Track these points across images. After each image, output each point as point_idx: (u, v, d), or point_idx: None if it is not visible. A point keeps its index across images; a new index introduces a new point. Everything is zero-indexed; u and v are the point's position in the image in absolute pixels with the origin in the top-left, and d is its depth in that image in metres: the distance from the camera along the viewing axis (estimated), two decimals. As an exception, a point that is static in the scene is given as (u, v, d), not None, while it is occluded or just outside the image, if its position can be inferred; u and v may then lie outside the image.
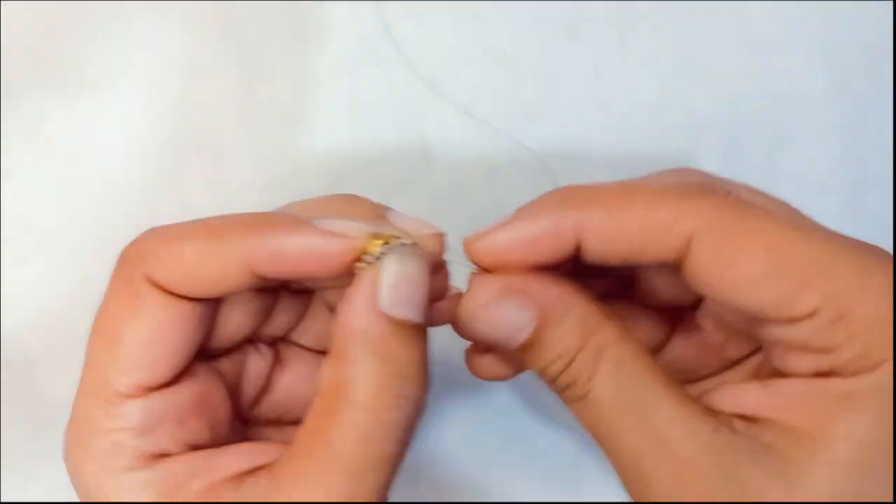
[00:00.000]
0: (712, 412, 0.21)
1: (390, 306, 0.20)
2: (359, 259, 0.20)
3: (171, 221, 0.36)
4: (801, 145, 0.41)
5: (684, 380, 0.26)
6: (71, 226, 0.36)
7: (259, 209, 0.36)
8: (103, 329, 0.21)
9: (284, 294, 0.25)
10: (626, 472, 0.21)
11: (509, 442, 0.38)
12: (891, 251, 0.40)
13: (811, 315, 0.19)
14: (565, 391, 0.22)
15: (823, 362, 0.19)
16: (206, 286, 0.21)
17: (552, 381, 0.22)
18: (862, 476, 0.18)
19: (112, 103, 0.36)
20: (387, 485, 0.20)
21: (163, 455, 0.20)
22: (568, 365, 0.21)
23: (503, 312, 0.21)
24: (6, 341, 0.35)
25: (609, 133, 0.40)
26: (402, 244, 0.21)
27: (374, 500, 0.19)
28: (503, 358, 0.25)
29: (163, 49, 0.36)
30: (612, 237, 0.21)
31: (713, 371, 0.26)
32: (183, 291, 0.21)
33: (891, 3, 0.42)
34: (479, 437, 0.38)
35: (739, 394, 0.21)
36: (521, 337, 0.21)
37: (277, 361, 0.26)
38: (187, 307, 0.21)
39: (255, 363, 0.25)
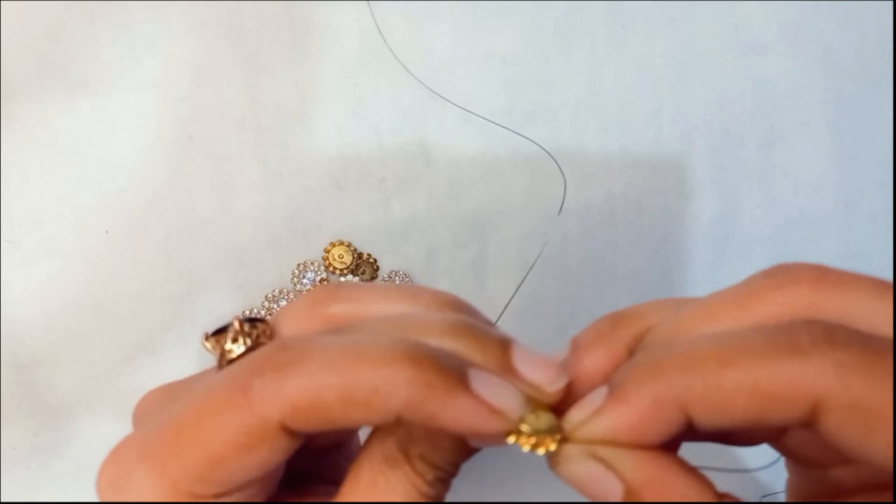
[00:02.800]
0: None
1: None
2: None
3: (173, 222, 0.37)
4: (795, 146, 0.41)
5: (805, 463, 0.24)
6: (74, 227, 0.36)
7: (262, 210, 0.37)
8: (208, 436, 0.19)
9: None
10: None
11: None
12: (887, 249, 0.41)
13: None
14: None
15: None
16: (341, 425, 0.19)
17: None
18: None
19: (115, 105, 0.36)
20: None
21: None
22: None
23: (589, 474, 0.19)
24: (9, 342, 0.35)
25: (605, 135, 0.40)
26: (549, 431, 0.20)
27: None
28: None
29: (166, 51, 0.36)
30: (724, 407, 0.18)
31: (838, 461, 0.23)
32: (314, 430, 0.19)
33: (890, 3, 0.42)
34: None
35: None
36: (610, 500, 0.19)
37: None
38: (298, 440, 0.19)
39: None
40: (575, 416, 0.20)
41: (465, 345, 0.20)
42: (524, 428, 0.19)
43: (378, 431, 0.20)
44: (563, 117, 0.40)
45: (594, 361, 0.21)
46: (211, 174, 0.37)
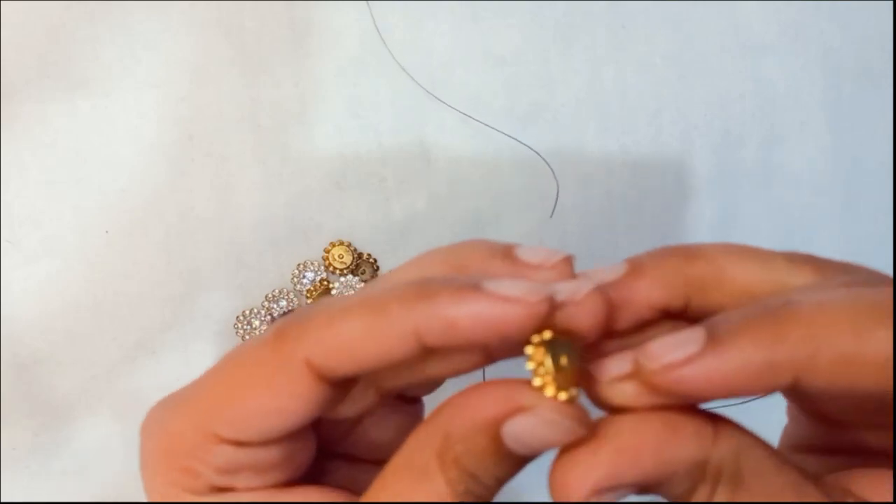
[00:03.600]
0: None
1: (509, 440, 0.19)
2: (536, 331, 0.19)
3: (173, 222, 0.37)
4: (795, 146, 0.41)
5: (809, 450, 0.23)
6: (74, 227, 0.36)
7: (262, 209, 0.37)
8: (236, 379, 0.20)
9: None
10: None
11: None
12: (887, 250, 0.41)
13: None
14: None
15: None
16: (368, 363, 0.20)
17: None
18: None
19: (115, 105, 0.36)
20: None
21: (232, 488, 0.21)
22: (687, 497, 0.19)
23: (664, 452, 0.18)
24: (9, 342, 0.35)
25: (605, 135, 0.40)
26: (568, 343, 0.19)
27: None
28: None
29: (166, 51, 0.36)
30: (847, 377, 0.17)
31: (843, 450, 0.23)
32: (341, 372, 0.20)
33: (890, 3, 0.42)
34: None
35: (880, 482, 0.19)
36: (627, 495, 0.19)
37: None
38: (324, 392, 0.20)
39: (346, 411, 0.25)
40: (660, 351, 0.18)
41: (476, 266, 0.20)
42: (543, 337, 0.19)
43: (416, 432, 0.20)
44: (563, 117, 0.40)
45: (649, 290, 0.20)
46: (211, 174, 0.37)
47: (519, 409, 0.19)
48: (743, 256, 0.20)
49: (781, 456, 0.19)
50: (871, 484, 0.19)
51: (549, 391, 0.19)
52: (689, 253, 0.20)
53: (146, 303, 0.36)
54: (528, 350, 0.19)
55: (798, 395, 0.21)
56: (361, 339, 0.19)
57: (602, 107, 0.40)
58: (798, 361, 0.17)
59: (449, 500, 0.19)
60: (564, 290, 0.19)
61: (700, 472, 0.18)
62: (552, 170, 0.39)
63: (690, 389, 0.18)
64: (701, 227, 0.42)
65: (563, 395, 0.19)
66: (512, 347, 0.20)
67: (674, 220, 0.41)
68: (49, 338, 0.35)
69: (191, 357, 0.37)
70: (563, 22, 0.40)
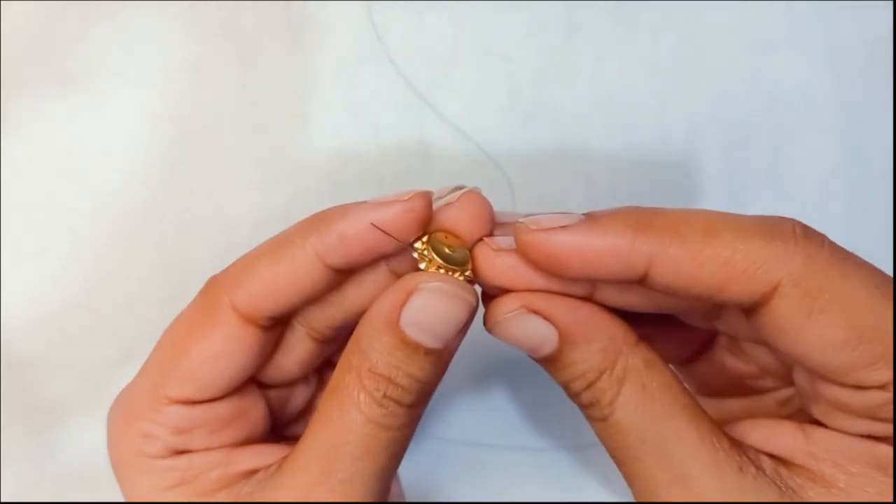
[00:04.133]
0: (739, 448, 0.20)
1: (411, 329, 0.20)
2: (417, 239, 0.21)
3: (171, 222, 0.37)
4: (802, 144, 0.41)
5: (704, 392, 0.26)
6: (71, 227, 0.36)
7: (259, 209, 0.37)
8: (175, 338, 0.23)
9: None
10: (642, 497, 0.21)
11: (509, 441, 0.38)
12: (888, 249, 0.40)
13: (882, 387, 0.18)
14: (587, 409, 0.21)
15: (878, 429, 0.19)
16: (285, 297, 0.22)
17: (575, 396, 0.21)
18: None
19: (112, 103, 0.36)
20: (378, 486, 0.21)
21: (189, 450, 0.22)
22: (591, 384, 0.20)
23: (526, 327, 0.21)
24: (6, 342, 0.35)
25: (609, 133, 0.40)
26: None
27: (367, 500, 0.20)
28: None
29: (162, 49, 0.36)
30: (689, 273, 0.19)
31: (734, 394, 0.25)
32: (266, 310, 0.22)
33: (891, 3, 0.42)
34: (480, 436, 0.38)
35: (774, 433, 0.21)
36: (545, 350, 0.21)
37: (321, 385, 0.27)
38: (256, 336, 0.22)
39: (301, 391, 0.26)
40: (540, 219, 0.20)
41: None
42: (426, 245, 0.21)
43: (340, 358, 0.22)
44: (566, 116, 0.39)
45: (600, 241, 0.21)
46: (208, 174, 0.37)
47: (410, 293, 0.20)
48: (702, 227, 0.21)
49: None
50: (765, 435, 0.21)
51: (433, 269, 0.21)
52: (648, 212, 0.21)
53: (142, 305, 0.36)
54: (416, 246, 0.21)
55: (655, 299, 0.23)
56: (273, 273, 0.21)
57: (607, 105, 0.40)
58: (653, 249, 0.19)
59: (372, 411, 0.20)
60: (446, 196, 0.22)
61: (609, 356, 0.20)
62: (506, 175, 0.39)
63: (561, 259, 0.20)
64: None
65: (427, 265, 0.21)
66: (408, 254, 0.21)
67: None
68: (44, 340, 0.36)
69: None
70: (567, 18, 0.39)
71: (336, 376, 0.21)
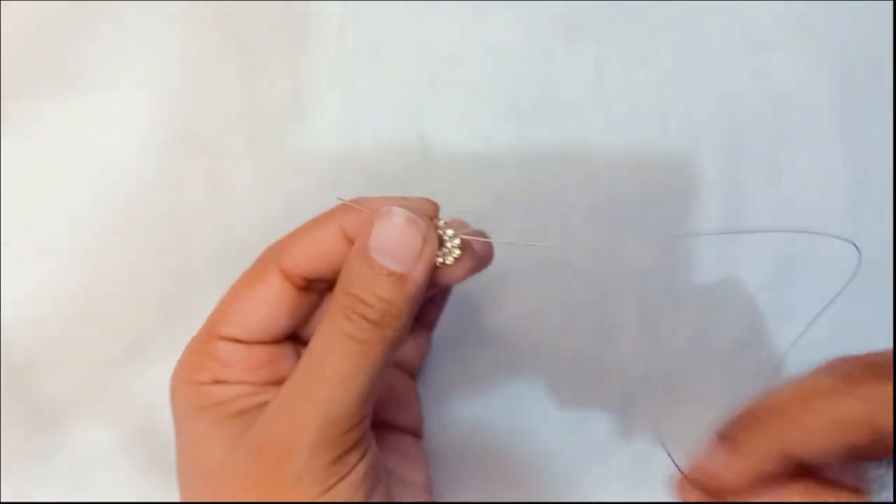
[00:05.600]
0: None
1: (376, 253, 0.24)
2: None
3: (168, 222, 0.37)
4: (802, 145, 0.41)
5: None
6: (70, 226, 0.36)
7: (258, 209, 0.37)
8: (232, 290, 0.28)
9: None
10: None
11: (510, 441, 0.38)
12: (888, 250, 0.40)
13: None
14: None
15: None
16: (319, 259, 0.27)
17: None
18: None
19: (110, 103, 0.36)
20: (353, 409, 0.24)
21: (226, 381, 0.27)
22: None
23: None
24: (6, 342, 0.35)
25: (609, 133, 0.40)
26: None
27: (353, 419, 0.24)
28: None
29: (161, 48, 0.36)
30: (808, 443, 0.24)
31: None
32: (304, 271, 0.27)
33: (891, 3, 0.42)
34: (480, 436, 0.38)
35: None
36: None
37: None
38: (294, 294, 0.27)
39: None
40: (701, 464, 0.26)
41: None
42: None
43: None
44: (567, 115, 0.39)
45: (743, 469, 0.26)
46: (207, 173, 0.37)
47: (372, 222, 0.25)
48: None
49: None
50: None
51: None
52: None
53: (140, 304, 0.36)
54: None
55: None
56: (308, 240, 0.27)
57: (607, 104, 0.40)
58: (779, 445, 0.24)
59: (342, 325, 0.24)
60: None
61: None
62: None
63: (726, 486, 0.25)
64: (708, 227, 0.41)
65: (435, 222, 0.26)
66: None
67: (681, 219, 0.41)
68: (45, 339, 0.36)
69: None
70: (568, 18, 0.39)
71: (328, 309, 0.26)
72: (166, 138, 0.36)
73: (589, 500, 0.38)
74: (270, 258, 0.27)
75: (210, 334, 0.28)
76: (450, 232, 0.26)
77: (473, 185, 0.39)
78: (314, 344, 0.25)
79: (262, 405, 0.26)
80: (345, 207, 0.26)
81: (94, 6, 0.35)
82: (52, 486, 0.36)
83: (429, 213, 0.26)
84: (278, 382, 0.27)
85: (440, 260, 0.26)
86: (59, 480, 0.36)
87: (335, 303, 0.25)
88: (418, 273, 0.25)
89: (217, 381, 0.27)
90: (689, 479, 0.26)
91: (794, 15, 0.41)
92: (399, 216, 0.24)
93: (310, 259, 0.27)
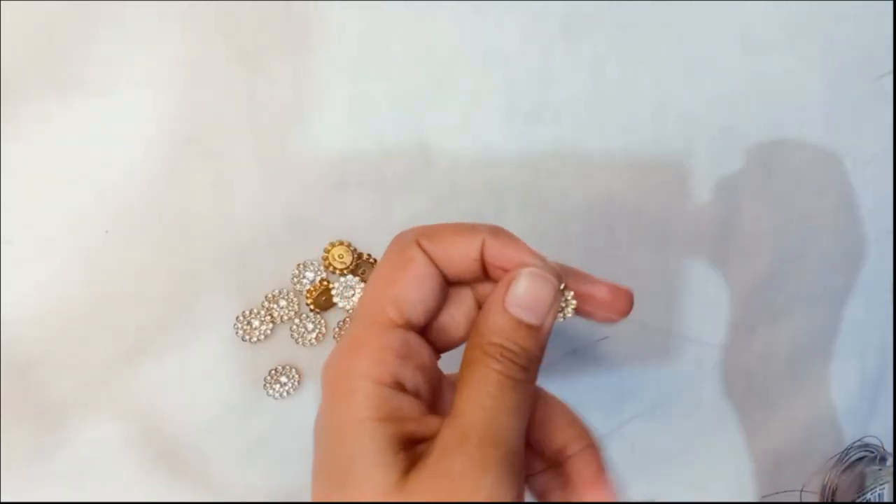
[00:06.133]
0: None
1: (514, 308, 0.26)
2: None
3: (172, 222, 0.37)
4: (796, 145, 0.41)
5: None
6: (74, 226, 0.36)
7: (262, 210, 0.37)
8: (383, 275, 0.27)
9: None
10: None
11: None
12: (887, 249, 0.41)
13: None
14: None
15: None
16: (453, 260, 0.28)
17: None
18: None
19: (113, 104, 0.36)
20: (517, 427, 0.26)
21: (399, 385, 0.26)
22: None
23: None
24: (7, 343, 0.35)
25: (607, 132, 0.40)
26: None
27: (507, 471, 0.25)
28: None
29: (164, 50, 0.36)
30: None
31: None
32: (439, 261, 0.28)
33: (890, 3, 0.42)
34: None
35: None
36: None
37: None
38: (440, 280, 0.28)
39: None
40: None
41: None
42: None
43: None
44: (564, 116, 0.40)
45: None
46: (210, 174, 0.37)
47: (511, 281, 0.27)
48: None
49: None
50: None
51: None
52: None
53: (144, 303, 0.36)
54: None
55: None
56: (451, 240, 0.28)
57: (604, 105, 0.40)
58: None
59: (496, 364, 0.26)
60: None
61: None
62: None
63: None
64: (702, 226, 0.42)
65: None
66: None
67: (675, 218, 0.41)
68: (47, 339, 0.35)
69: (190, 358, 0.37)
70: (565, 20, 0.40)
71: (465, 357, 0.27)
72: (169, 139, 0.36)
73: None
74: (409, 244, 0.28)
75: (380, 325, 0.27)
76: (569, 294, 0.28)
77: (473, 185, 0.39)
78: (468, 387, 0.26)
79: (425, 439, 0.26)
80: (488, 228, 0.28)
81: (97, 8, 0.35)
82: (55, 484, 0.36)
83: (555, 270, 0.28)
84: (428, 400, 0.27)
85: (560, 317, 0.28)
86: (61, 479, 0.36)
87: (482, 350, 0.26)
88: (548, 324, 0.27)
89: (398, 384, 0.26)
90: None
91: (788, 17, 0.41)
92: (534, 275, 0.27)
93: (450, 258, 0.28)
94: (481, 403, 0.25)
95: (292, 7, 0.37)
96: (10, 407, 0.35)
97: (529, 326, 0.26)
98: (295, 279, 0.37)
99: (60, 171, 0.36)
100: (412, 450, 0.25)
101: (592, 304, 0.29)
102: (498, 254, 0.28)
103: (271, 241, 0.37)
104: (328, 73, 0.38)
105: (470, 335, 0.27)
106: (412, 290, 0.27)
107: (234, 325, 0.37)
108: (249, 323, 0.37)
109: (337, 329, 0.38)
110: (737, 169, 0.41)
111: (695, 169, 0.41)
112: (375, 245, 0.38)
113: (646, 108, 0.40)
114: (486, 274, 0.28)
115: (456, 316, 0.29)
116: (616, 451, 0.39)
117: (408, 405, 0.26)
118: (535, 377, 0.27)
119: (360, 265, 0.38)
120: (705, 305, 0.42)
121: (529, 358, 0.26)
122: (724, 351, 0.43)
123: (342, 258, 0.37)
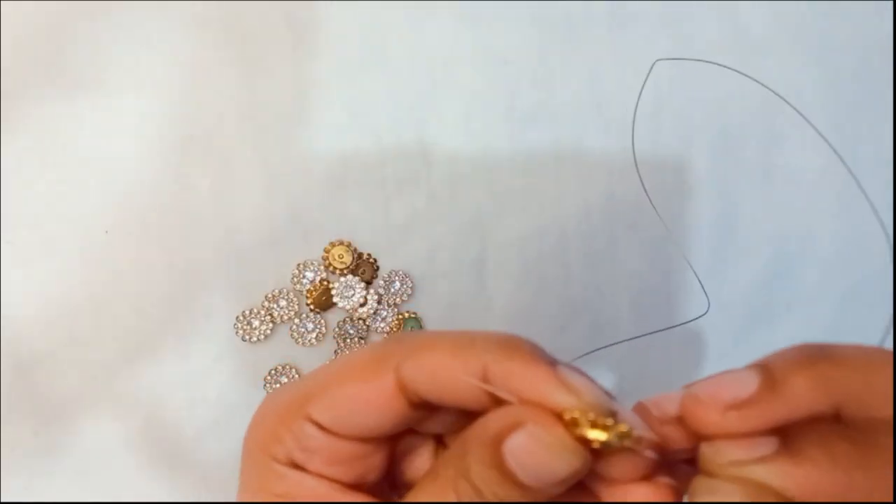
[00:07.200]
0: None
1: (511, 459, 0.21)
2: (572, 423, 0.20)
3: (173, 222, 0.37)
4: (794, 145, 0.41)
5: None
6: (74, 226, 0.36)
7: (262, 209, 0.37)
8: (344, 366, 0.24)
9: None
10: None
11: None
12: (887, 249, 0.41)
13: None
14: None
15: None
16: (447, 392, 0.22)
17: None
18: None
19: (115, 104, 0.36)
20: None
21: (305, 469, 0.23)
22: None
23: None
24: (8, 342, 0.35)
25: (604, 134, 0.40)
26: (620, 436, 0.20)
27: None
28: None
29: (165, 50, 0.36)
30: (869, 403, 0.21)
31: None
32: (425, 393, 0.22)
33: (890, 3, 0.42)
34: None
35: None
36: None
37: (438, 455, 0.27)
38: (405, 409, 0.23)
39: (421, 456, 0.26)
40: (731, 452, 0.20)
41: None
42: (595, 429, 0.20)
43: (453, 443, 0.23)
44: (563, 117, 0.40)
45: (790, 408, 0.21)
46: (210, 174, 0.37)
47: (517, 425, 0.20)
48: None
49: None
50: None
51: (571, 415, 0.20)
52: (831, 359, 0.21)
53: (146, 303, 0.36)
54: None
55: None
56: (444, 367, 0.22)
57: (602, 106, 0.40)
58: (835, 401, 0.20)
59: None
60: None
61: None
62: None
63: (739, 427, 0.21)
64: (701, 227, 0.42)
65: (590, 432, 0.19)
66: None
67: (674, 219, 0.41)
68: (49, 338, 0.35)
69: (191, 357, 0.37)
70: (564, 21, 0.40)
71: (439, 464, 0.23)
72: (171, 140, 0.36)
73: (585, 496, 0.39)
74: (388, 358, 0.23)
75: (300, 407, 0.23)
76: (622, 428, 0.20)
77: (473, 185, 0.39)
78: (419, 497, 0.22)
79: None
80: (490, 343, 0.22)
81: (98, 9, 0.36)
82: (58, 482, 0.36)
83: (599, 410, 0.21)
84: (359, 484, 0.24)
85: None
86: (64, 477, 0.36)
87: (452, 475, 0.22)
88: (557, 491, 0.21)
89: (295, 465, 0.23)
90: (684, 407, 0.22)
91: (786, 17, 0.42)
92: (535, 436, 0.20)
93: (436, 386, 0.22)
94: None
95: (293, 7, 0.37)
96: (14, 405, 0.35)
97: (523, 485, 0.21)
98: (295, 279, 0.37)
99: (61, 171, 0.36)
100: None
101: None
102: (507, 383, 0.21)
103: (271, 241, 0.37)
104: (328, 73, 0.38)
105: (452, 446, 0.23)
106: (353, 411, 0.23)
107: (234, 324, 0.37)
108: (249, 323, 0.37)
109: (337, 329, 0.38)
110: (736, 169, 0.41)
111: (693, 170, 0.41)
112: (375, 245, 0.38)
113: (642, 108, 0.41)
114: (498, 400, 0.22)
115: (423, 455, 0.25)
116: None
117: (308, 484, 0.23)
118: None
119: (360, 265, 0.38)
120: (705, 306, 0.42)
121: None
122: (724, 351, 0.43)
123: (342, 258, 0.37)
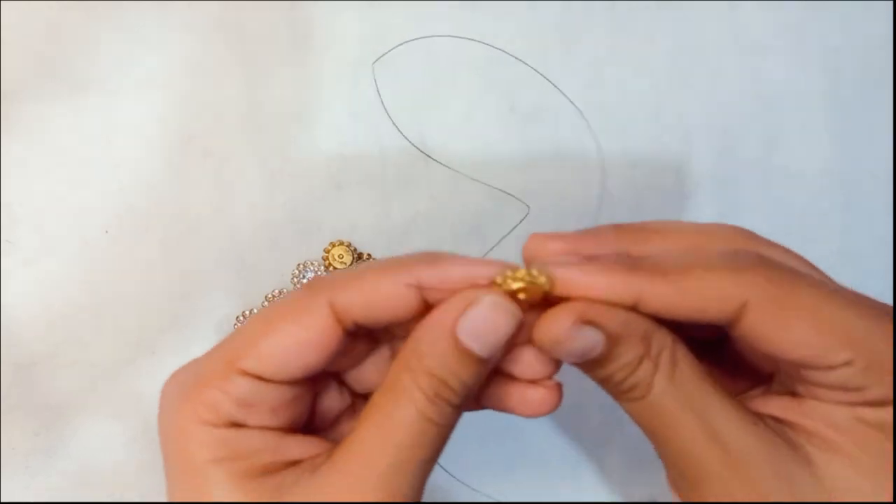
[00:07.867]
0: (749, 409, 0.24)
1: (466, 337, 0.23)
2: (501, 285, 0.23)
3: (173, 222, 0.37)
4: (794, 145, 0.41)
5: None
6: (78, 226, 0.36)
7: (262, 210, 0.37)
8: (267, 318, 0.24)
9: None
10: (678, 463, 0.24)
11: (508, 441, 0.38)
12: (887, 250, 0.41)
13: (847, 364, 0.22)
14: (626, 393, 0.24)
15: (852, 397, 0.23)
16: (382, 310, 0.23)
17: (615, 385, 0.24)
18: (877, 482, 0.22)
19: (115, 105, 0.36)
20: (414, 489, 0.23)
21: (245, 426, 0.23)
22: (631, 372, 0.23)
23: (584, 338, 0.23)
24: (8, 342, 0.35)
25: (605, 135, 0.40)
26: (533, 283, 0.23)
27: (400, 500, 0.22)
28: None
29: (166, 51, 0.36)
30: (674, 303, 0.23)
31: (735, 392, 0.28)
32: (361, 316, 0.23)
33: (890, 4, 0.42)
34: (481, 437, 0.38)
35: (771, 402, 0.25)
36: (593, 354, 0.23)
37: (355, 400, 0.28)
38: (341, 338, 0.24)
39: (334, 399, 0.27)
40: (550, 257, 0.25)
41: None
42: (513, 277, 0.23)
43: (397, 356, 0.24)
44: (563, 118, 0.40)
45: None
46: (211, 174, 0.37)
47: (470, 305, 0.23)
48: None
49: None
50: (761, 402, 0.25)
51: (499, 280, 0.23)
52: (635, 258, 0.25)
53: (146, 303, 0.36)
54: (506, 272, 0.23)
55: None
56: (375, 289, 0.23)
57: (602, 107, 0.40)
58: (639, 292, 0.23)
59: (425, 407, 0.23)
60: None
61: (646, 344, 0.23)
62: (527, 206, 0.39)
63: (568, 287, 0.23)
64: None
65: (513, 283, 0.23)
66: None
67: (675, 218, 0.41)
68: (49, 338, 0.36)
69: (191, 357, 0.36)
70: (563, 22, 0.40)
71: (392, 375, 0.23)
72: (172, 141, 0.36)
73: (584, 496, 0.39)
74: (320, 291, 0.24)
75: (229, 365, 0.23)
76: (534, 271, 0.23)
77: (473, 185, 0.39)
78: (381, 416, 0.23)
79: (290, 464, 0.23)
80: (421, 260, 0.24)
81: (99, 9, 0.36)
82: (58, 483, 0.36)
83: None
84: (297, 426, 0.25)
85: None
86: (64, 477, 0.36)
87: (411, 378, 0.23)
88: (495, 359, 0.24)
89: (234, 425, 0.23)
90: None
91: (786, 18, 0.42)
92: (497, 305, 0.23)
93: (371, 305, 0.23)
94: (388, 451, 0.22)
95: (294, 10, 0.37)
96: (14, 405, 0.35)
97: (479, 360, 0.23)
98: (295, 279, 0.37)
99: (61, 171, 0.36)
100: (278, 473, 0.23)
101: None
102: (441, 283, 0.23)
103: (271, 241, 0.37)
104: (328, 73, 0.38)
105: (397, 358, 0.24)
106: (286, 352, 0.23)
107: (235, 325, 0.37)
108: (250, 323, 0.37)
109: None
110: (736, 170, 0.41)
111: (695, 169, 0.41)
112: (375, 245, 0.38)
113: (644, 109, 0.41)
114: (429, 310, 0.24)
115: (372, 371, 0.26)
116: (617, 452, 0.39)
117: (254, 439, 0.23)
118: (461, 414, 0.24)
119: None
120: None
121: (467, 395, 0.23)
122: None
123: (342, 258, 0.38)
